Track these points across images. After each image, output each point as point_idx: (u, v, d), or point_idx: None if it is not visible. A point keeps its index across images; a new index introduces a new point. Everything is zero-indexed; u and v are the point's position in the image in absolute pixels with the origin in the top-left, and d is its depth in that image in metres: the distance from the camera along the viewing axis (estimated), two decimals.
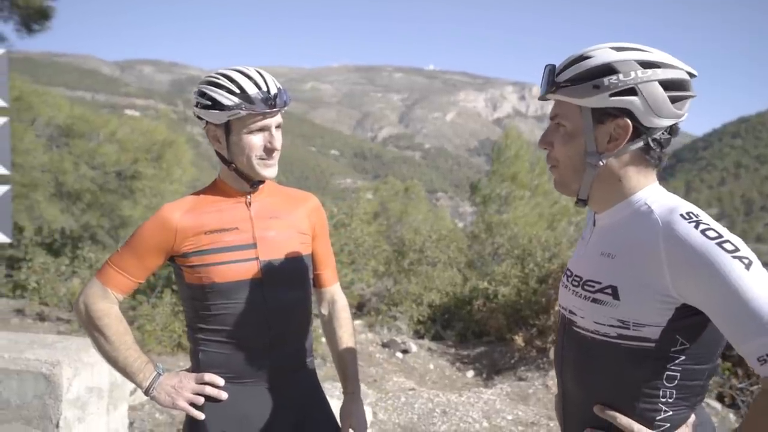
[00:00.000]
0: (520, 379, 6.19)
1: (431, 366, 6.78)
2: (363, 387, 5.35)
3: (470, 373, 6.67)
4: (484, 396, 5.32)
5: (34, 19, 9.49)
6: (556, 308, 6.51)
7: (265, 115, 1.58)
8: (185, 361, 6.04)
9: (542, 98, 1.26)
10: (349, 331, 1.91)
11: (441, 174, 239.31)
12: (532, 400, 5.65)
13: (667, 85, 1.13)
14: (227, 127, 1.60)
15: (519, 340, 7.00)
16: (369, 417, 4.48)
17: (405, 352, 6.92)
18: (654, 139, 1.17)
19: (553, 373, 6.14)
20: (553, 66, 1.22)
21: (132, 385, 4.45)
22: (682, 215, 1.10)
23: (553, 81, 1.20)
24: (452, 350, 7.43)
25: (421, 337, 8.01)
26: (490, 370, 6.68)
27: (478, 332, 7.72)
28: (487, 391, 5.62)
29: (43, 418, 3.10)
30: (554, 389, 5.87)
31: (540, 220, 12.47)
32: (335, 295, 1.93)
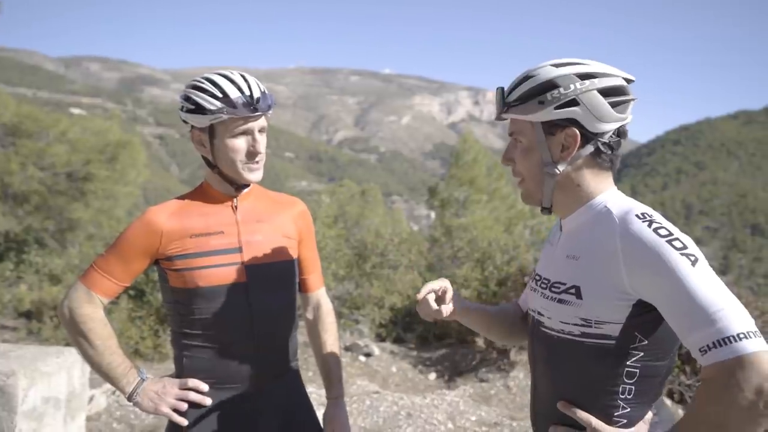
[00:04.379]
0: (482, 380, 6.28)
1: (394, 369, 6.81)
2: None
3: (432, 376, 6.73)
4: (448, 398, 5.37)
5: None
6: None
7: (247, 119, 1.59)
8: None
9: (498, 119, 1.35)
10: (333, 335, 1.93)
11: (396, 177, 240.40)
12: (494, 400, 5.76)
13: (606, 92, 1.23)
14: (211, 130, 1.61)
15: (480, 342, 7.11)
16: None
17: (368, 355, 6.93)
18: (603, 143, 1.26)
19: (513, 373, 6.28)
20: (503, 88, 1.32)
21: (90, 394, 4.31)
22: (637, 215, 1.18)
23: (504, 101, 1.31)
24: (414, 353, 7.48)
25: (383, 340, 8.03)
26: (452, 372, 6.75)
27: (440, 334, 7.80)
28: (450, 392, 5.68)
29: None
30: (515, 390, 6.00)
31: (497, 223, 12.71)
32: (320, 299, 1.94)
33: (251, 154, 1.62)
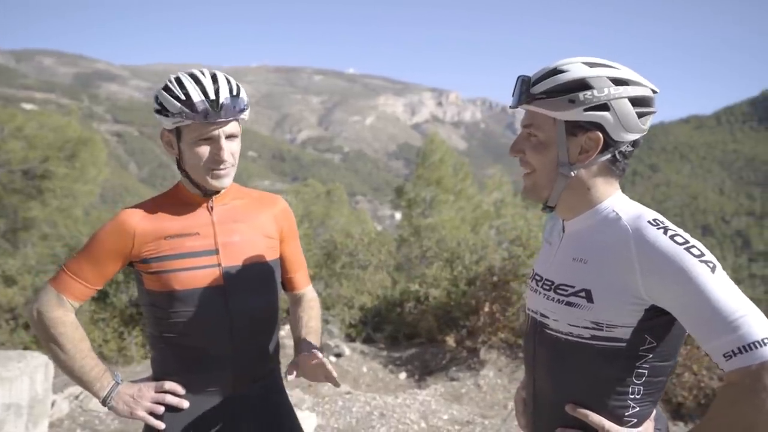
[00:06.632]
0: (452, 379, 6.32)
1: (364, 369, 6.79)
2: (299, 392, 5.28)
3: (403, 375, 6.74)
4: (420, 397, 5.39)
5: None
6: (486, 310, 6.72)
7: (209, 126, 1.51)
8: None
9: (514, 107, 1.29)
10: (316, 314, 1.87)
11: (360, 177, 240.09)
12: (465, 399, 5.80)
13: (636, 101, 1.21)
14: (178, 132, 1.55)
15: (450, 341, 7.16)
16: (313, 423, 4.40)
17: (338, 355, 6.89)
18: (620, 152, 1.24)
19: (484, 372, 6.33)
20: (528, 77, 1.26)
21: (51, 400, 4.15)
22: (649, 222, 1.18)
23: (528, 92, 1.24)
24: (384, 353, 7.47)
25: (353, 340, 8.00)
26: (423, 372, 6.78)
27: (409, 334, 7.82)
28: (421, 392, 5.70)
29: None
30: (486, 388, 6.05)
31: (463, 224, 12.84)
32: (307, 295, 1.91)
33: (215, 162, 1.55)
